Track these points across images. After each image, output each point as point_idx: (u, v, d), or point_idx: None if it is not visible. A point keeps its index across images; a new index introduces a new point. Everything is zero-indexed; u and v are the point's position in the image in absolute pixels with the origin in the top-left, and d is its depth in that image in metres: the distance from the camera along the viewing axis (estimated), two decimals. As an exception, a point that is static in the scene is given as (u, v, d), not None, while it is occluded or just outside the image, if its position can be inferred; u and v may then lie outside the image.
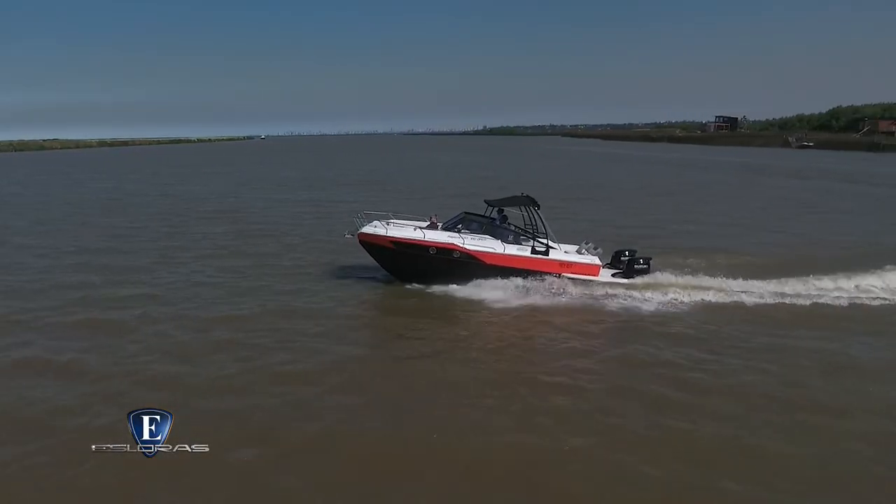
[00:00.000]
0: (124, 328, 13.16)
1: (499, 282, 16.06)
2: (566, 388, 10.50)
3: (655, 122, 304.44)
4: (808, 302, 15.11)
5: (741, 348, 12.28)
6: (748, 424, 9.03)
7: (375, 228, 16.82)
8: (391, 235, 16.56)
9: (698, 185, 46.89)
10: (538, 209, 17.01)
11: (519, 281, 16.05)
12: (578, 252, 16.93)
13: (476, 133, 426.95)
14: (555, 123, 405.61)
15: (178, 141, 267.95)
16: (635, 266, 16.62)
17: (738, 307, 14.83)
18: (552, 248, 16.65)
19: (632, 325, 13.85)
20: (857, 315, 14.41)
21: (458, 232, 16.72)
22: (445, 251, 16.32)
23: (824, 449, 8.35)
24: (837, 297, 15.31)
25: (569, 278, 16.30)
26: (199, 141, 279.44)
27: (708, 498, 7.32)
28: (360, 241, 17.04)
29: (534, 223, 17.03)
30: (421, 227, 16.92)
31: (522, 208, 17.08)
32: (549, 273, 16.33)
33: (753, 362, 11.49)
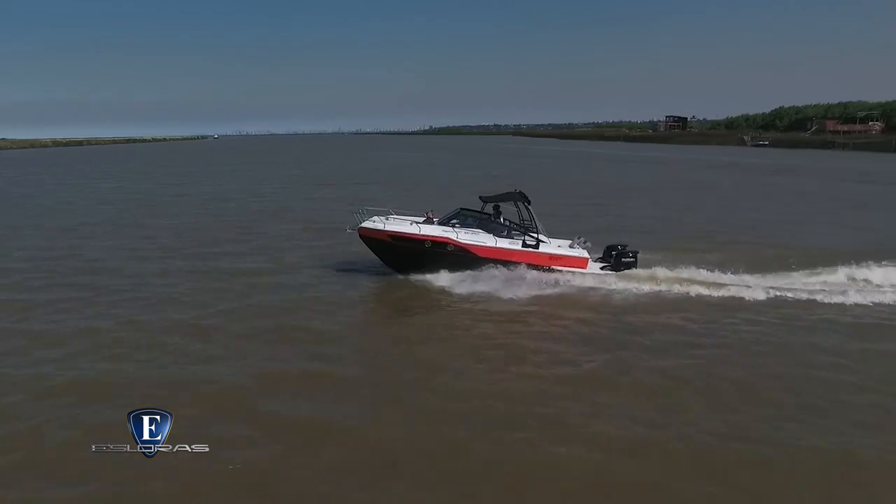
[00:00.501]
0: (123, 328, 13.05)
1: (490, 273, 16.18)
2: (549, 369, 10.95)
3: (594, 122, 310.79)
4: (794, 296, 15.09)
5: (717, 336, 12.50)
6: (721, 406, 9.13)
7: (374, 223, 17.02)
8: (389, 230, 16.74)
9: (709, 186, 45.60)
10: (529, 205, 17.10)
11: (509, 273, 16.18)
12: (571, 246, 17.01)
13: (424, 133, 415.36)
14: (499, 123, 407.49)
15: (134, 140, 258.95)
16: (623, 259, 16.72)
17: (722, 300, 14.87)
18: (542, 241, 16.75)
19: (615, 314, 14.05)
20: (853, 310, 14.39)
21: (453, 226, 16.91)
22: (440, 244, 16.44)
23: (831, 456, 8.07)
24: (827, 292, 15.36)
25: (558, 270, 16.48)
26: (154, 140, 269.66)
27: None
28: (360, 235, 17.20)
29: (523, 218, 17.16)
30: (417, 222, 17.08)
31: (516, 203, 17.19)
32: (539, 265, 16.48)
33: (725, 350, 11.78)
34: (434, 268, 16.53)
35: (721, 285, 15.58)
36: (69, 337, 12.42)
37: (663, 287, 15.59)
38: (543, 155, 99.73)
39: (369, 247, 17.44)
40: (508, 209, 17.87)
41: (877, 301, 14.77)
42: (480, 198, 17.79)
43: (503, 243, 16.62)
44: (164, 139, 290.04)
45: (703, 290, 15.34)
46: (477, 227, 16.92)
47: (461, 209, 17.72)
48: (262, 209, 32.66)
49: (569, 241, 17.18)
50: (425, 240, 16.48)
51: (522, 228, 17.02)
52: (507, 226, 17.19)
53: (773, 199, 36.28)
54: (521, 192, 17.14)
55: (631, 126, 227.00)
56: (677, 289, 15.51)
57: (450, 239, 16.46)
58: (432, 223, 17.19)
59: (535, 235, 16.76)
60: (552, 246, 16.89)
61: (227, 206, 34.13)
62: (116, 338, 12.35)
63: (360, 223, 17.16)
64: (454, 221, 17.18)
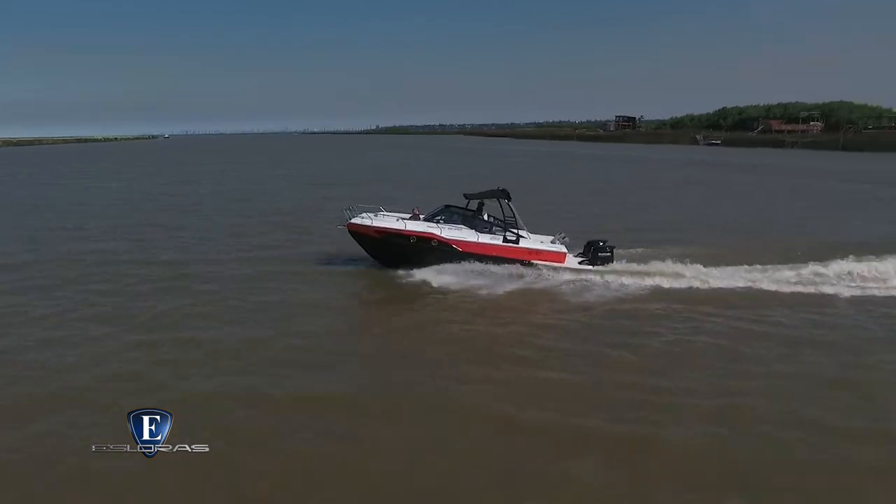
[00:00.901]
0: (121, 326, 12.75)
1: (472, 267, 16.40)
2: (527, 356, 11.29)
3: (535, 122, 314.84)
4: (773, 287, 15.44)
5: (683, 326, 12.88)
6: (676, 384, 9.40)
7: (362, 219, 17.24)
8: (376, 225, 16.99)
9: (695, 183, 46.16)
10: (510, 201, 17.27)
11: (491, 267, 16.39)
12: (552, 242, 17.24)
13: (371, 132, 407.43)
14: (444, 123, 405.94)
15: (85, 140, 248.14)
16: (599, 254, 17.02)
17: (692, 292, 15.21)
18: (522, 237, 16.97)
19: (589, 305, 14.45)
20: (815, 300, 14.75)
21: (438, 223, 17.05)
22: (424, 240, 16.64)
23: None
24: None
25: (537, 265, 16.71)
26: (106, 140, 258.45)
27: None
28: (348, 230, 17.46)
29: (505, 214, 17.28)
30: (404, 219, 17.27)
31: (499, 200, 17.33)
32: (519, 260, 16.68)
33: (686, 335, 12.24)
34: (419, 262, 16.69)
35: (691, 278, 15.88)
36: (69, 336, 12.12)
37: (636, 280, 15.88)
38: (511, 154, 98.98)
39: (358, 242, 17.66)
40: (513, 205, 17.85)
41: (839, 293, 15.14)
42: (464, 195, 17.93)
43: (485, 239, 16.82)
44: (116, 139, 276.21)
45: (675, 283, 15.64)
46: (461, 224, 17.09)
47: (447, 206, 17.82)
48: (289, 208, 31.46)
49: (550, 237, 17.42)
50: (410, 235, 16.69)
51: (504, 224, 17.19)
52: (489, 222, 17.33)
53: (781, 198, 36.22)
54: (503, 190, 17.31)
55: (577, 126, 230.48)
56: (649, 281, 15.79)
57: (434, 235, 16.65)
58: (419, 219, 17.32)
59: (516, 231, 16.97)
60: (532, 241, 17.10)
61: (253, 206, 32.67)
62: (114, 338, 12.04)
63: (350, 219, 17.35)
64: (439, 218, 17.30)
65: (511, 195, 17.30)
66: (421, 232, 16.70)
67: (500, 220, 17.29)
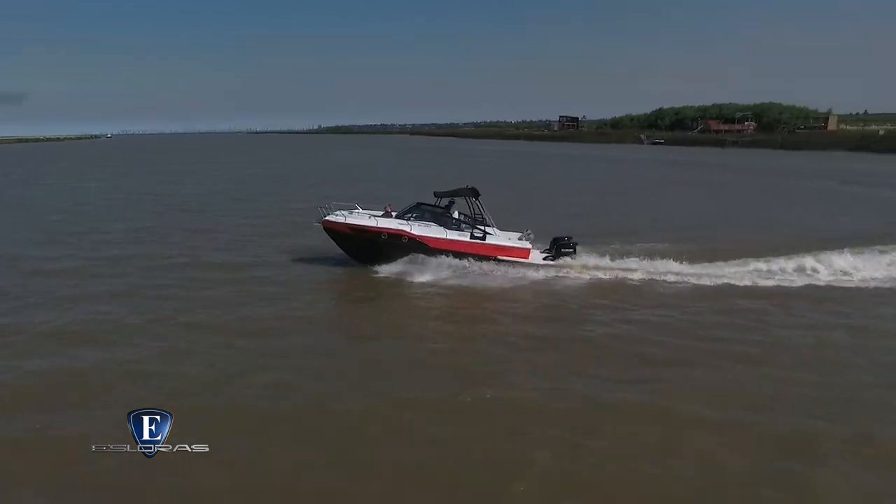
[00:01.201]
0: (118, 325, 12.69)
1: (441, 262, 16.92)
2: (489, 343, 12.16)
3: (473, 122, 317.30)
4: (717, 282, 16.14)
5: (615, 317, 13.68)
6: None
7: (337, 217, 17.57)
8: (349, 223, 17.35)
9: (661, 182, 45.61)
10: (478, 198, 17.81)
11: (458, 262, 16.96)
12: (521, 239, 17.85)
13: (316, 132, 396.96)
14: (385, 123, 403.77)
15: (28, 140, 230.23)
16: (563, 250, 17.74)
17: (650, 284, 15.99)
18: (489, 234, 17.52)
19: (550, 297, 15.28)
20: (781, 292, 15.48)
21: (408, 220, 17.45)
22: (395, 237, 17.06)
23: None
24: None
25: (502, 260, 17.32)
26: (48, 140, 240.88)
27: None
28: (324, 227, 17.78)
29: (475, 211, 17.83)
30: (376, 216, 17.63)
31: (467, 198, 17.83)
32: (485, 255, 17.27)
33: (634, 326, 13.04)
34: (390, 257, 17.12)
35: (650, 273, 16.62)
36: (67, 338, 11.96)
37: (595, 274, 16.68)
38: (482, 154, 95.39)
39: (332, 238, 17.93)
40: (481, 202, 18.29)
41: (786, 285, 16.03)
42: (434, 193, 18.28)
43: (453, 235, 17.33)
44: (59, 139, 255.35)
45: (631, 276, 16.51)
46: (431, 221, 17.48)
47: (418, 204, 18.16)
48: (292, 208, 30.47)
49: (518, 234, 18.07)
50: (382, 232, 17.05)
51: (472, 221, 17.71)
52: (458, 219, 17.80)
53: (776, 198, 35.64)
54: (471, 188, 17.82)
55: (518, 126, 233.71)
56: (607, 275, 16.61)
57: (404, 231, 17.07)
58: (391, 217, 17.67)
59: (483, 228, 17.53)
60: (499, 238, 17.68)
61: (252, 206, 31.98)
62: (107, 337, 12.00)
63: (325, 216, 17.64)
64: (409, 215, 17.66)
65: (479, 193, 17.84)
66: (392, 229, 17.09)
67: (470, 218, 17.82)
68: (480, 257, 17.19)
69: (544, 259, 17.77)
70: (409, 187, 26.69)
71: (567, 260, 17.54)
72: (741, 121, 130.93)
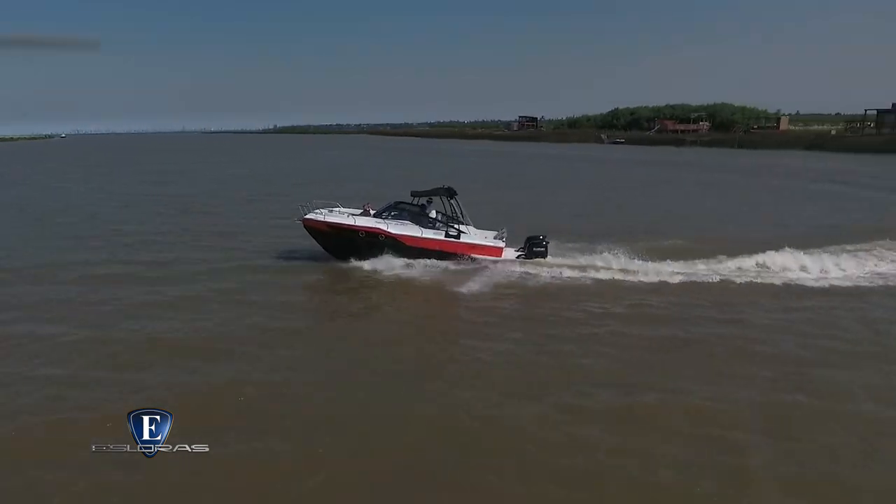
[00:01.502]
0: (116, 326, 12.52)
1: (416, 260, 17.43)
2: (462, 340, 12.56)
3: (427, 122, 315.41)
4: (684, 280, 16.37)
5: (610, 314, 13.94)
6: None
7: (316, 215, 17.88)
8: (328, 221, 17.67)
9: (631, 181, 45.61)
10: (454, 198, 18.32)
11: (433, 260, 17.53)
12: (496, 237, 18.36)
13: (270, 132, 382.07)
14: (340, 123, 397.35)
15: None
16: (535, 248, 18.23)
17: (618, 282, 16.27)
18: (463, 232, 18.05)
19: (522, 293, 15.67)
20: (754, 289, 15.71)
21: (385, 218, 17.84)
22: (372, 234, 17.44)
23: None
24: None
25: (475, 258, 17.88)
26: (3, 140, 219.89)
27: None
28: (304, 225, 18.03)
29: (452, 211, 18.35)
30: (354, 214, 18.02)
31: (443, 198, 18.30)
32: (459, 254, 17.81)
33: (607, 323, 13.28)
34: (367, 255, 17.52)
35: (627, 271, 16.85)
36: (66, 336, 11.79)
37: (563, 272, 17.03)
38: (463, 154, 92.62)
39: (312, 235, 18.16)
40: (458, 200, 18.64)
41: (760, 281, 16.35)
42: (411, 193, 18.65)
43: (428, 234, 17.80)
44: (12, 139, 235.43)
45: (603, 275, 16.78)
46: (407, 220, 17.90)
47: (397, 203, 18.52)
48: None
49: (494, 233, 18.64)
50: (359, 230, 17.42)
51: (447, 220, 18.19)
52: (434, 218, 18.23)
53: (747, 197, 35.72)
54: (448, 188, 18.30)
55: (474, 125, 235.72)
56: (577, 274, 16.93)
57: (380, 230, 17.46)
58: (369, 215, 18.01)
59: (457, 227, 18.04)
60: (473, 236, 18.23)
61: (253, 205, 31.48)
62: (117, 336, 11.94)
63: (305, 214, 17.89)
64: (386, 214, 18.05)
65: (456, 192, 18.37)
66: (369, 227, 17.49)
67: (445, 216, 18.30)
68: (454, 255, 17.73)
69: (517, 257, 18.42)
70: (396, 187, 26.52)
71: (540, 259, 18.09)
72: (696, 121, 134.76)
